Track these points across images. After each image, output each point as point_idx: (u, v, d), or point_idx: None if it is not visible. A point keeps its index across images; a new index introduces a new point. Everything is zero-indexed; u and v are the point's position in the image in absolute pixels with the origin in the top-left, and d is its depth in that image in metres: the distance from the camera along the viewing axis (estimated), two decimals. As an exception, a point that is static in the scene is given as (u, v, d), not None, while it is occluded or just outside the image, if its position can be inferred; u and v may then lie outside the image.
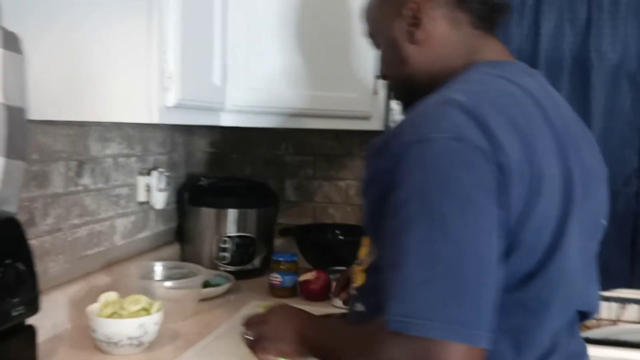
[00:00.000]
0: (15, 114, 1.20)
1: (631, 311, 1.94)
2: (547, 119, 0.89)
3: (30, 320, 1.20)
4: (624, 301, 1.94)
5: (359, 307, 1.00)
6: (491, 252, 0.78)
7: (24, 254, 1.17)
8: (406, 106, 1.08)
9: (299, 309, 1.08)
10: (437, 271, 0.75)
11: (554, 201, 0.84)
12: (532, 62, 1.94)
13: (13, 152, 1.19)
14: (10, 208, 1.21)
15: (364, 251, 1.03)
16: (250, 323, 1.09)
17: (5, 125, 1.17)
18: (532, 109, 0.88)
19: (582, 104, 1.98)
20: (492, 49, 0.99)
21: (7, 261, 1.11)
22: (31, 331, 1.21)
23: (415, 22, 0.97)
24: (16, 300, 1.13)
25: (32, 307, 1.18)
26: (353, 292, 1.05)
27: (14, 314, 1.13)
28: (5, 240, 1.14)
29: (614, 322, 1.87)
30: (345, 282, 1.43)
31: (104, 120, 1.30)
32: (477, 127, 0.79)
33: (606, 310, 1.90)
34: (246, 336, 1.07)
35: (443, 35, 0.97)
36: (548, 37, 1.95)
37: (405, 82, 1.03)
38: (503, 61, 0.98)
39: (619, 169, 1.92)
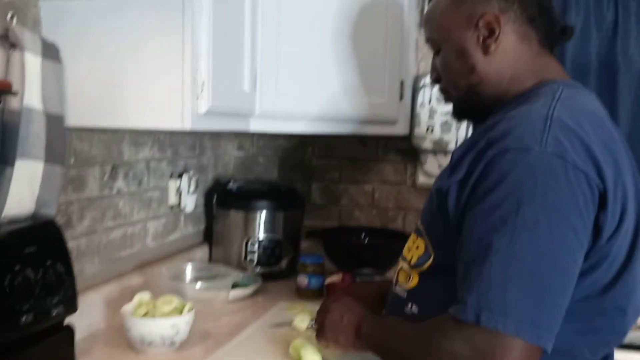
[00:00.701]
0: (54, 121, 1.25)
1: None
2: (620, 139, 0.96)
3: (68, 320, 1.25)
4: None
5: (410, 308, 1.03)
6: (571, 267, 0.84)
7: (63, 255, 1.22)
8: (458, 113, 1.15)
9: (358, 304, 1.14)
10: (519, 272, 0.82)
11: (632, 218, 0.91)
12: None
13: (52, 157, 1.24)
14: (50, 211, 1.26)
15: (415, 252, 1.05)
16: (319, 311, 1.20)
17: (45, 132, 1.22)
18: (612, 129, 0.95)
19: (609, 107, 1.95)
20: (557, 68, 1.05)
21: (48, 262, 1.16)
22: (70, 330, 1.26)
23: (490, 34, 1.02)
24: (56, 300, 1.17)
25: (71, 306, 1.23)
26: (399, 293, 1.07)
27: (54, 313, 1.18)
28: (45, 242, 1.19)
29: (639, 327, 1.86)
30: None
31: (138, 127, 1.34)
32: (580, 147, 0.85)
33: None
34: (312, 322, 1.24)
35: (514, 49, 1.02)
36: (574, 39, 1.94)
37: (469, 91, 1.07)
38: (573, 81, 1.04)
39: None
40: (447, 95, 1.14)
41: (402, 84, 1.76)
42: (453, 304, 0.86)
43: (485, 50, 1.03)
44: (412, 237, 1.09)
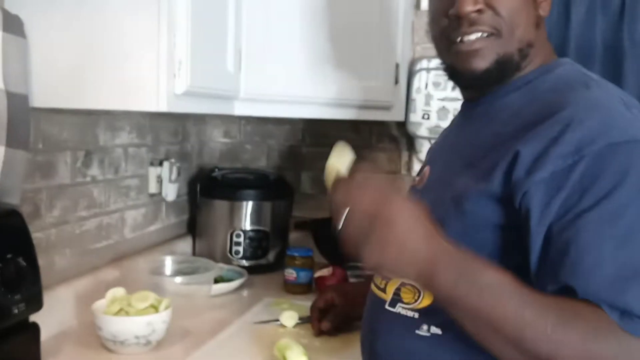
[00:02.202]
0: (17, 101, 1.14)
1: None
2: None
3: (34, 317, 1.15)
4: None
5: (428, 330, 0.88)
6: None
7: (25, 248, 1.12)
8: (485, 73, 0.92)
9: (435, 228, 0.75)
10: None
11: None
12: (562, 49, 1.85)
13: (14, 141, 1.14)
14: (12, 200, 1.16)
15: None
16: (352, 200, 0.74)
17: (6, 113, 1.11)
18: None
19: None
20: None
21: (8, 256, 1.06)
22: (34, 328, 1.16)
23: None
24: (17, 296, 1.08)
25: (35, 303, 1.13)
26: (405, 313, 0.92)
27: (16, 310, 1.08)
28: (6, 233, 1.09)
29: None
30: (322, 312, 1.36)
31: (110, 109, 1.24)
32: None
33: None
34: (340, 217, 0.74)
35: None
36: (579, 23, 1.86)
37: (524, 48, 0.92)
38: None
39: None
40: (492, 39, 0.91)
41: (397, 66, 1.66)
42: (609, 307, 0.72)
43: (544, 10, 0.93)
44: None
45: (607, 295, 0.72)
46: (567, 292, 0.73)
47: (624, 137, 0.77)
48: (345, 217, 0.73)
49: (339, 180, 0.80)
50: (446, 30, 0.93)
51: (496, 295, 0.72)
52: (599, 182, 0.75)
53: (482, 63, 0.91)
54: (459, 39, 0.92)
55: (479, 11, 0.89)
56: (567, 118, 0.80)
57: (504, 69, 0.92)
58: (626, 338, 0.70)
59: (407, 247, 0.71)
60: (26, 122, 1.16)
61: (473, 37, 0.90)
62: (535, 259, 0.77)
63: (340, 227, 0.74)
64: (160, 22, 1.11)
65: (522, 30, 0.91)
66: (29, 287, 1.10)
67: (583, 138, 0.77)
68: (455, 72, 0.97)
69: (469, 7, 0.89)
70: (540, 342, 0.70)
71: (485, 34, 0.90)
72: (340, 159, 0.88)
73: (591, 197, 0.75)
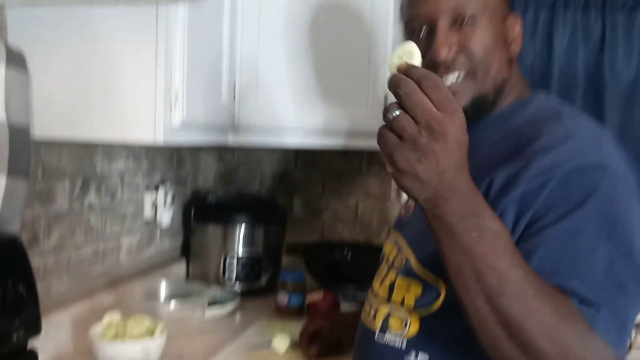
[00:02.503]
0: (19, 133, 1.18)
1: (646, 336, 1.90)
2: None
3: (31, 343, 1.18)
4: (637, 326, 1.90)
5: (416, 356, 0.92)
6: None
7: (25, 275, 1.15)
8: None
9: (466, 162, 0.73)
10: (625, 298, 0.78)
11: None
12: (545, 78, 1.92)
13: (15, 170, 1.18)
14: (13, 227, 1.19)
15: (407, 294, 0.94)
16: (419, 95, 0.68)
17: (8, 144, 1.15)
18: None
19: (595, 121, 1.96)
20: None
21: (9, 283, 1.09)
22: (32, 355, 1.18)
23: (516, 36, 1.00)
24: (17, 322, 1.11)
25: (34, 329, 1.16)
26: (393, 343, 0.94)
27: (15, 337, 1.11)
28: (6, 261, 1.12)
29: (629, 347, 1.83)
30: (312, 335, 1.39)
31: (108, 140, 1.28)
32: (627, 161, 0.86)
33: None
34: (393, 108, 0.69)
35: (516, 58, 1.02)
36: (561, 53, 1.93)
37: (498, 84, 0.97)
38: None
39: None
40: (468, 80, 0.94)
41: (386, 96, 1.71)
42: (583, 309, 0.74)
43: (516, 48, 0.99)
44: (393, 276, 0.98)
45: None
46: None
47: (591, 162, 0.82)
48: (400, 109, 0.68)
49: (411, 68, 0.70)
50: None
51: (494, 244, 0.72)
52: (563, 201, 0.80)
53: (458, 104, 0.95)
54: None
55: (454, 57, 0.94)
56: (538, 147, 0.85)
57: (480, 107, 0.96)
58: (586, 327, 0.74)
59: (441, 165, 0.68)
60: (27, 152, 1.20)
61: (449, 81, 0.94)
62: None
63: (392, 116, 0.68)
64: (158, 57, 1.16)
65: (496, 69, 0.96)
66: (28, 313, 1.13)
67: (552, 162, 0.83)
68: None
69: (444, 55, 0.93)
70: (517, 302, 0.71)
71: (461, 75, 0.95)
72: (412, 55, 0.75)
73: (555, 214, 0.80)
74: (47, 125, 1.23)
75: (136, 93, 1.17)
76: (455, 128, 0.68)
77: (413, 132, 0.67)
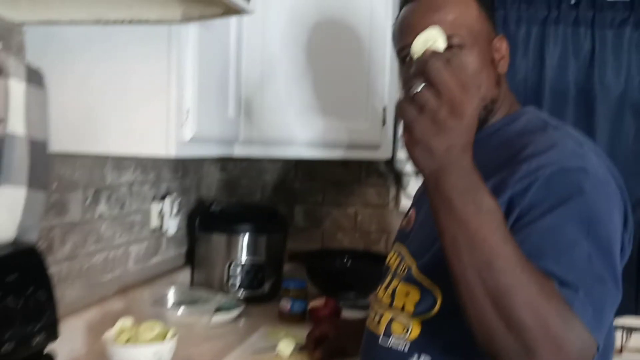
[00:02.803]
0: (38, 147, 1.24)
1: (636, 339, 1.95)
2: None
3: (49, 347, 1.24)
4: (630, 330, 1.96)
5: (419, 357, 0.98)
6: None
7: (44, 282, 1.21)
8: None
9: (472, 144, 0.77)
10: (603, 288, 0.83)
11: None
12: (538, 92, 1.99)
13: (35, 183, 1.24)
14: (31, 237, 1.25)
15: (407, 299, 1.01)
16: (443, 74, 0.72)
17: (28, 158, 1.21)
18: None
19: (586, 134, 2.02)
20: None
21: (29, 290, 1.15)
22: (50, 359, 1.25)
23: (502, 56, 1.07)
24: (37, 328, 1.16)
25: (52, 334, 1.21)
26: (396, 347, 1.01)
27: (35, 341, 1.16)
28: (27, 269, 1.18)
29: (620, 351, 1.88)
30: (318, 340, 1.45)
31: (122, 154, 1.34)
32: (609, 171, 0.93)
33: (611, 338, 1.92)
34: (417, 85, 0.73)
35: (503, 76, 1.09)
36: (553, 68, 2.00)
37: (488, 105, 1.05)
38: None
39: (623, 198, 1.96)
40: None
41: (384, 109, 1.78)
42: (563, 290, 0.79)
43: (503, 67, 1.07)
44: (396, 283, 1.05)
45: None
46: None
47: (574, 165, 0.90)
48: (423, 86, 0.73)
49: (435, 53, 0.77)
50: None
51: (488, 219, 0.76)
52: (547, 200, 0.87)
53: None
54: None
55: None
56: (524, 155, 0.93)
57: None
58: (566, 308, 0.77)
59: (453, 141, 0.73)
60: (46, 165, 1.26)
61: None
62: None
63: (415, 90, 0.73)
64: (170, 75, 1.23)
65: (485, 89, 1.04)
66: (47, 319, 1.19)
67: (537, 166, 0.90)
68: None
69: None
70: (505, 275, 0.75)
71: None
72: (436, 41, 0.82)
73: (538, 211, 0.86)
74: (63, 139, 1.29)
75: (149, 109, 1.23)
76: (472, 110, 0.74)
77: (435, 107, 0.72)
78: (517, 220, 0.87)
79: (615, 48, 1.95)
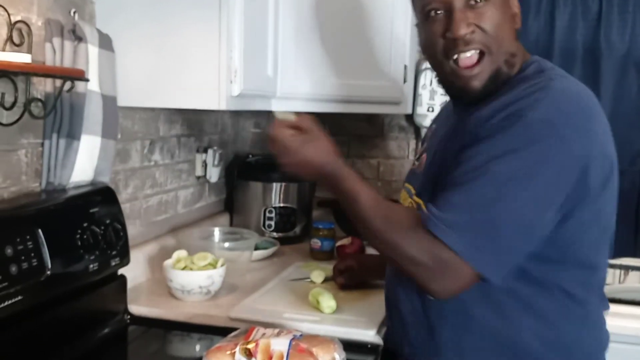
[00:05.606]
0: (109, 102, 1.46)
1: (633, 277, 2.15)
2: None
3: (121, 271, 1.47)
4: (627, 268, 2.15)
5: None
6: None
7: (118, 215, 1.44)
8: (481, 86, 1.10)
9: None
10: (490, 227, 0.99)
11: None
12: (548, 52, 2.14)
13: (107, 133, 1.46)
14: (105, 179, 1.48)
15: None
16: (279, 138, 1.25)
17: (102, 111, 1.43)
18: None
19: (592, 90, 2.15)
20: None
21: (107, 221, 1.38)
22: (123, 279, 1.49)
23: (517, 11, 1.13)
24: (114, 252, 1.40)
25: (125, 259, 1.45)
26: None
27: (113, 263, 1.40)
28: (104, 204, 1.40)
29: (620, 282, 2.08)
30: (342, 271, 1.65)
31: (181, 107, 1.55)
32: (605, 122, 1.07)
33: (611, 276, 2.12)
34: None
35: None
36: (562, 29, 2.15)
37: (509, 59, 1.09)
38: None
39: (625, 149, 2.12)
40: (482, 56, 1.08)
41: (405, 68, 1.96)
42: (427, 211, 1.03)
43: (518, 23, 1.12)
44: None
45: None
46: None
47: (537, 116, 0.98)
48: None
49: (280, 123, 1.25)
50: (444, 50, 1.10)
51: (353, 191, 1.13)
52: (496, 140, 1.00)
53: (479, 84, 1.09)
54: (455, 56, 1.09)
55: (472, 32, 1.07)
56: (507, 99, 1.05)
57: (497, 80, 1.09)
58: (419, 228, 1.02)
59: (311, 164, 1.24)
60: (115, 118, 1.48)
61: (469, 53, 1.08)
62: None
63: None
64: (221, 39, 1.42)
65: (507, 43, 1.09)
66: (121, 247, 1.42)
67: (516, 110, 1.00)
68: (452, 88, 1.17)
69: (463, 30, 1.06)
70: (365, 211, 1.10)
71: (477, 51, 1.08)
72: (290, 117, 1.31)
73: (483, 147, 1.02)
74: (128, 95, 1.50)
75: (203, 70, 1.43)
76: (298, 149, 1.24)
77: (283, 152, 1.26)
78: (469, 145, 1.03)
79: (621, 9, 2.09)
